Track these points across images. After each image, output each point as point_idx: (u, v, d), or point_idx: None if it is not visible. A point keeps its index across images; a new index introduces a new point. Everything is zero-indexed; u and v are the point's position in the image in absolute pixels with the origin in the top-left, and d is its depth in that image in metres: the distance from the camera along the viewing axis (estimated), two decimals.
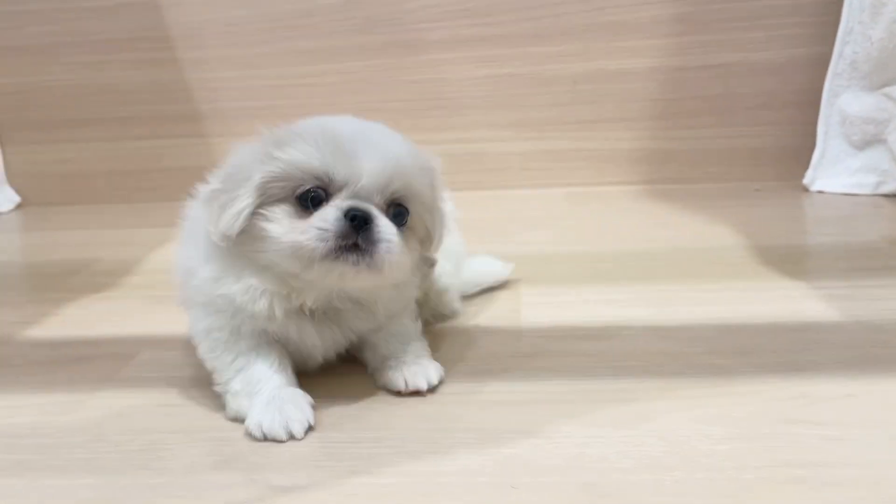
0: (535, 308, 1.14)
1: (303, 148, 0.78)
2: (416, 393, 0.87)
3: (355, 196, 0.78)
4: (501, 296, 1.21)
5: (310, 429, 0.82)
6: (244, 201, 0.79)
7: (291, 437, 0.80)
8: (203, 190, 0.86)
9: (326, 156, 0.77)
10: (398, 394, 0.88)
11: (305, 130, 0.80)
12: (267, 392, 0.83)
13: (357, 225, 0.76)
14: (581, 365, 0.95)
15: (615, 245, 1.44)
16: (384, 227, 0.77)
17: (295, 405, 0.82)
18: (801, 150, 1.74)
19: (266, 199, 0.80)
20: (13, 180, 2.10)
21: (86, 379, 1.00)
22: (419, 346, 0.94)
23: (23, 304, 1.34)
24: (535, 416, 0.82)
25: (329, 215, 0.76)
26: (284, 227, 0.78)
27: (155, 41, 1.96)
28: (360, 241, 0.76)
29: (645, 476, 0.69)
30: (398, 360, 0.90)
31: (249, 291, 0.82)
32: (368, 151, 0.78)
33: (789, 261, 1.28)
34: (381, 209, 0.79)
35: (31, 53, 2.01)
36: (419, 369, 0.89)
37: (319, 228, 0.76)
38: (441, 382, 0.89)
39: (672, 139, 1.83)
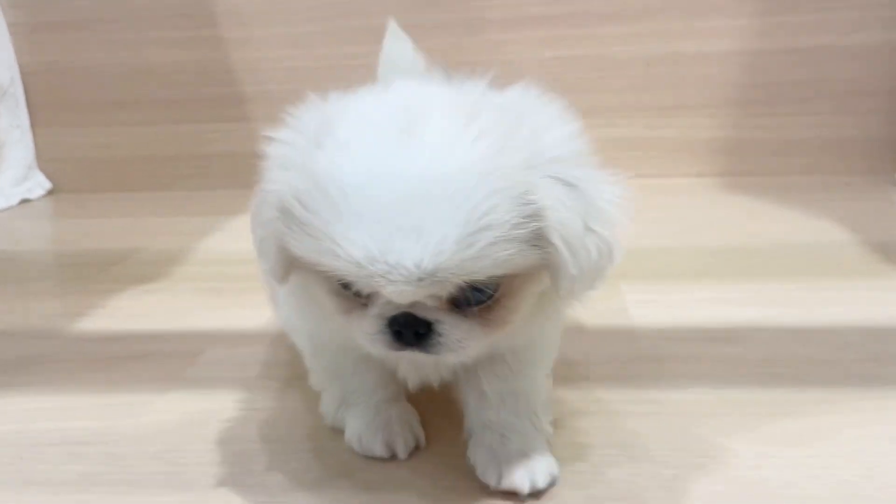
0: (644, 307, 1.02)
1: (301, 237, 0.52)
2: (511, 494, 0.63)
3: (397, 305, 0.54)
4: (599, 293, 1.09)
5: (416, 449, 0.70)
6: (268, 264, 0.59)
7: (394, 456, 0.69)
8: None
9: (336, 251, 0.50)
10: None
11: (310, 188, 0.51)
12: (369, 404, 0.71)
13: (405, 338, 0.55)
14: (720, 371, 0.83)
15: (710, 240, 1.33)
16: (445, 332, 0.54)
17: (402, 423, 0.71)
18: (891, 141, 1.62)
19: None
20: (44, 165, 1.99)
21: (150, 378, 0.89)
22: (537, 422, 0.67)
23: (65, 295, 1.23)
24: (688, 430, 0.71)
25: (369, 325, 0.55)
26: (332, 301, 0.58)
27: (198, 19, 1.85)
28: (417, 345, 0.55)
29: None
30: (501, 440, 0.65)
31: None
32: (395, 239, 0.49)
33: None
34: (450, 293, 0.53)
35: (66, 30, 1.91)
36: (523, 465, 0.63)
37: (364, 337, 0.57)
38: (553, 485, 0.63)
39: (753, 128, 1.71)
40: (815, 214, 1.40)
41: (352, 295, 0.55)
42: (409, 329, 0.54)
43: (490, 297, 0.54)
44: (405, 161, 0.49)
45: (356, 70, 0.73)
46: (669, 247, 1.29)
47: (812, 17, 1.63)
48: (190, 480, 0.67)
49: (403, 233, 0.48)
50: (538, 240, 0.51)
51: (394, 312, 0.54)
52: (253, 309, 1.03)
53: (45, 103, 1.96)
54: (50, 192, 1.99)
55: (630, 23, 1.70)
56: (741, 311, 0.99)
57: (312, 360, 0.74)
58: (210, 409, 0.80)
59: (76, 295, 1.20)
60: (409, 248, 0.48)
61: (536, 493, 0.62)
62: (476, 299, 0.54)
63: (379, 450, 0.69)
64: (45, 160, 1.99)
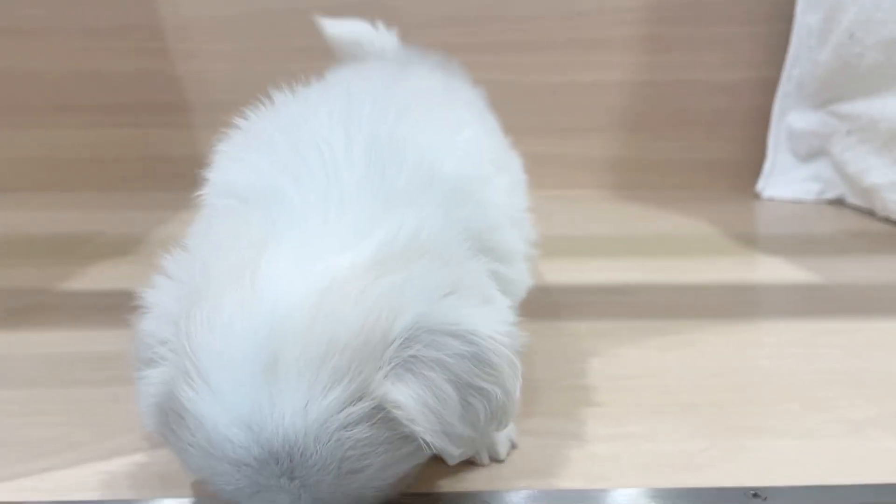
0: (555, 274, 1.24)
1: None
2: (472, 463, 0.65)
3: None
4: None
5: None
6: None
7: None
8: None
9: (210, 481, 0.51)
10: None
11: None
12: None
13: None
14: (615, 311, 1.07)
15: (606, 231, 1.59)
16: None
17: None
18: (751, 163, 1.95)
19: None
20: None
21: None
22: None
23: (43, 267, 1.33)
24: (597, 348, 0.93)
25: None
26: None
27: (146, 31, 1.99)
28: None
29: None
30: None
31: None
32: (250, 484, 0.48)
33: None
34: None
35: (12, 37, 2.00)
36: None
37: None
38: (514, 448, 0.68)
39: (637, 149, 2.00)
40: (690, 216, 1.69)
41: None
42: None
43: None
44: (266, 412, 0.46)
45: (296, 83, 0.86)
46: (572, 235, 1.54)
47: (688, 57, 1.95)
48: None
49: (276, 478, 0.47)
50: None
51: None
52: None
53: None
54: None
55: (539, 54, 1.97)
56: (631, 274, 1.24)
57: None
58: None
59: (53, 267, 1.30)
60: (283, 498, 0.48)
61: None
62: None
63: None
64: None
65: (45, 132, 2.05)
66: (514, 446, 0.68)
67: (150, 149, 2.07)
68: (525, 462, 0.66)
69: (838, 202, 1.78)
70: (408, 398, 0.48)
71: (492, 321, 0.53)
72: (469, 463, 0.65)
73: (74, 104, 2.04)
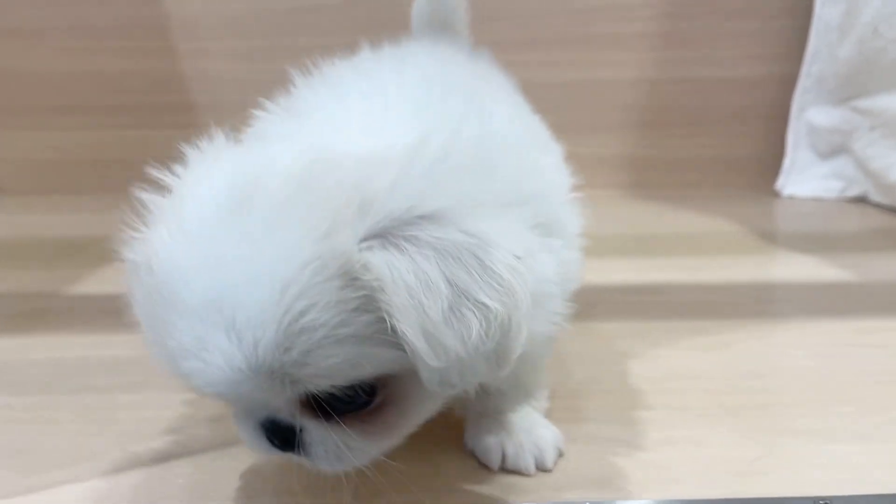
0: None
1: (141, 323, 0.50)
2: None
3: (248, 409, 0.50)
4: None
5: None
6: None
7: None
8: None
9: (153, 332, 0.49)
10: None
11: (146, 272, 0.48)
12: None
13: (277, 442, 0.50)
14: (644, 310, 1.03)
15: (626, 230, 1.55)
16: (311, 442, 0.49)
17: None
18: (769, 160, 1.91)
19: None
20: None
21: None
22: (536, 403, 0.67)
23: (50, 269, 1.30)
24: (629, 347, 0.90)
25: (243, 427, 0.51)
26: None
27: (150, 30, 1.96)
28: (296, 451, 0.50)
29: None
30: (499, 423, 0.63)
31: None
32: (210, 336, 0.44)
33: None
34: (298, 396, 0.47)
35: (16, 37, 1.97)
36: (527, 441, 0.62)
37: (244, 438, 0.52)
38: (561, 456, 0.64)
39: (653, 147, 1.96)
40: (710, 215, 1.65)
41: None
42: (276, 436, 0.49)
43: (365, 398, 0.47)
44: (225, 250, 0.44)
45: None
46: (594, 234, 1.50)
47: (704, 52, 1.91)
48: None
49: (219, 330, 0.43)
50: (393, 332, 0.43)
51: (258, 416, 0.49)
52: None
53: None
54: None
55: (552, 51, 1.94)
56: (658, 274, 1.20)
57: None
58: None
59: (61, 270, 1.27)
60: (223, 346, 0.43)
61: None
62: (347, 406, 0.47)
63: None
64: None
65: (50, 133, 2.02)
66: (561, 454, 0.64)
67: (155, 149, 2.02)
68: (574, 471, 0.63)
69: (861, 200, 1.74)
70: (383, 265, 0.43)
71: (515, 238, 0.46)
72: (515, 472, 0.62)
73: (78, 105, 2.01)
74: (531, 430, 0.63)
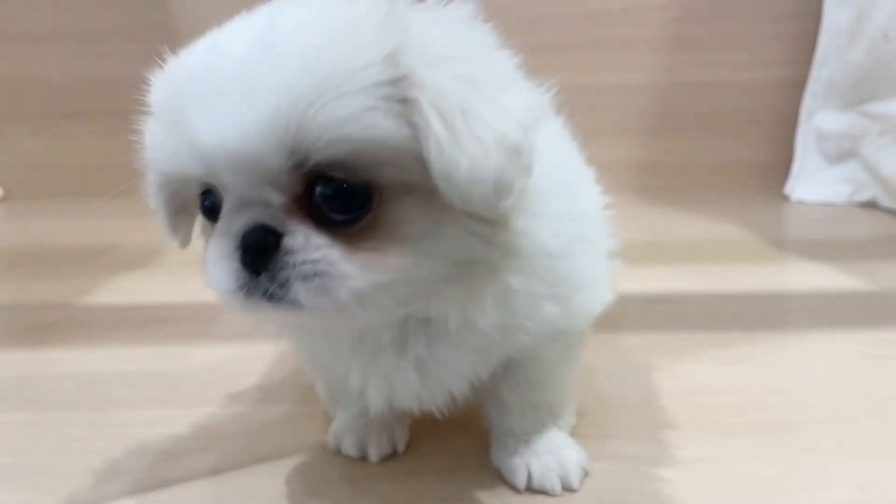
0: None
1: (151, 126, 0.50)
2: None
3: (242, 201, 0.47)
4: None
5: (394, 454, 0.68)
6: (155, 208, 0.56)
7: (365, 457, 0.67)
8: None
9: (169, 137, 0.47)
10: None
11: (163, 77, 0.51)
12: (352, 406, 0.68)
13: (253, 261, 0.46)
14: (661, 321, 1.03)
15: (639, 236, 1.52)
16: (296, 248, 0.45)
17: (381, 428, 0.68)
18: (778, 164, 1.91)
19: (186, 205, 0.55)
20: None
21: (178, 335, 1.01)
22: (561, 423, 0.67)
23: (61, 279, 1.31)
24: (649, 361, 0.90)
25: (216, 252, 0.48)
26: (206, 255, 0.50)
27: (156, 35, 1.95)
28: (265, 284, 0.46)
29: None
30: (525, 443, 0.63)
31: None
32: (212, 113, 0.44)
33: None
34: (297, 194, 0.46)
35: (24, 43, 1.97)
36: (553, 462, 0.62)
37: (213, 276, 0.48)
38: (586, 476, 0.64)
39: (662, 150, 1.97)
40: (719, 220, 1.65)
41: (213, 223, 0.49)
42: (254, 250, 0.45)
43: (359, 211, 0.45)
44: (250, 29, 0.47)
45: None
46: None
47: (713, 57, 1.91)
48: (243, 398, 0.81)
49: (241, 91, 0.44)
50: (410, 114, 0.43)
51: (241, 225, 0.46)
52: None
53: (1, 113, 2.00)
54: (2, 200, 2.02)
55: (563, 54, 1.93)
56: (672, 283, 1.20)
57: (299, 358, 0.72)
58: (245, 355, 0.92)
59: (74, 279, 1.28)
60: (235, 117, 0.43)
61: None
62: (340, 211, 0.45)
63: (350, 449, 0.67)
64: None
65: (57, 139, 2.02)
66: (586, 473, 0.64)
67: None
68: (600, 490, 0.63)
69: (870, 205, 1.74)
70: (438, 83, 0.44)
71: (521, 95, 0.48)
72: (540, 493, 0.62)
73: (86, 110, 2.01)
74: (557, 451, 0.63)
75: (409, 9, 0.47)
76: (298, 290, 0.45)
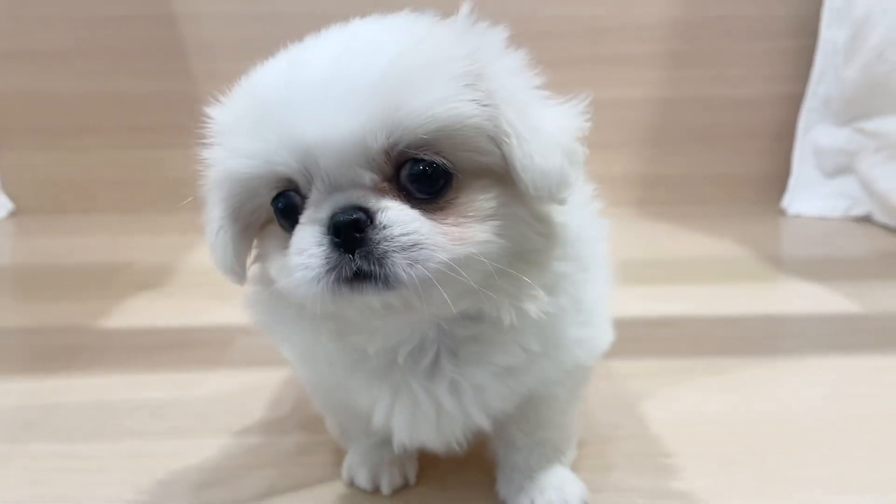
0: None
1: (228, 139, 0.54)
2: None
3: (333, 186, 0.51)
4: None
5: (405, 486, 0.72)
6: (216, 224, 0.58)
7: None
8: None
9: (257, 141, 0.51)
10: None
11: (233, 99, 0.58)
12: (364, 441, 0.72)
13: (346, 240, 0.49)
14: (657, 347, 1.06)
15: (636, 254, 1.57)
16: (390, 222, 0.49)
17: (393, 462, 0.72)
18: (774, 178, 1.94)
19: (252, 218, 0.57)
20: (8, 188, 2.06)
21: (194, 362, 1.03)
22: (564, 459, 0.71)
23: (79, 300, 1.33)
24: (643, 389, 0.93)
25: (305, 240, 0.50)
26: (276, 264, 0.54)
27: (168, 52, 1.99)
28: (358, 262, 0.48)
29: None
30: (530, 478, 0.68)
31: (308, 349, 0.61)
32: (312, 108, 0.49)
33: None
34: (387, 174, 0.51)
35: (40, 59, 2.00)
36: (557, 497, 0.66)
37: (300, 265, 0.50)
38: None
39: (661, 164, 2.00)
40: (717, 236, 1.68)
41: (289, 223, 0.53)
42: (346, 230, 0.48)
43: (441, 190, 0.50)
44: (334, 40, 0.53)
45: None
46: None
47: (711, 72, 1.94)
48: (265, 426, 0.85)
49: (339, 87, 0.49)
50: (485, 101, 0.50)
51: (331, 209, 0.49)
52: None
53: (13, 128, 2.03)
54: (12, 214, 2.05)
55: (562, 70, 1.96)
56: (666, 305, 1.23)
57: (312, 395, 0.74)
58: (258, 382, 0.95)
59: (89, 301, 1.30)
60: (333, 110, 0.48)
61: None
62: (425, 191, 0.50)
63: (363, 482, 0.71)
64: (9, 183, 2.06)
65: (68, 154, 2.05)
66: None
67: (173, 170, 2.05)
68: None
69: (865, 219, 1.77)
70: (510, 84, 0.53)
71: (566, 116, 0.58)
72: None
73: (97, 126, 2.04)
74: (560, 486, 0.67)
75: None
76: (396, 261, 0.48)
